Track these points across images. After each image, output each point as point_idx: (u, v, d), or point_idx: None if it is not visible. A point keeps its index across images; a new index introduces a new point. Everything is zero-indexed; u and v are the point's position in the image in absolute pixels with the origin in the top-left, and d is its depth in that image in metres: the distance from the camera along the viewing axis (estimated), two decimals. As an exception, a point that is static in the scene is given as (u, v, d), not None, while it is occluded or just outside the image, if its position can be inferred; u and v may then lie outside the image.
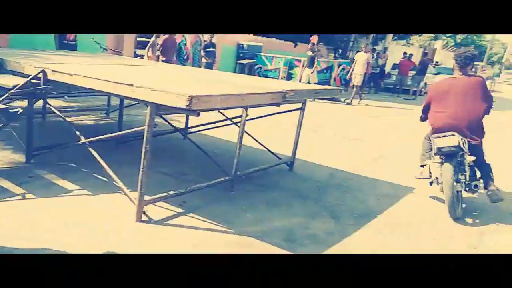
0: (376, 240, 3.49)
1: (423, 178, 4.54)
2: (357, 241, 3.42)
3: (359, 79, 12.30)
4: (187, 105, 2.79)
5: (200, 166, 4.79)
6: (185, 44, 12.72)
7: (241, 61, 14.50)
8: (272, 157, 5.19)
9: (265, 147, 5.32)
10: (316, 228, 3.58)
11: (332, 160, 5.86)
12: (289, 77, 14.12)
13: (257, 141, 5.27)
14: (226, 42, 14.39)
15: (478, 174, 4.27)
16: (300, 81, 12.48)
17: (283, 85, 4.71)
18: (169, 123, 5.45)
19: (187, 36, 12.54)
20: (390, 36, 21.30)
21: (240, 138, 4.07)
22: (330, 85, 14.80)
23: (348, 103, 12.01)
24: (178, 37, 12.34)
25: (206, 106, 2.97)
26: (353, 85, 12.54)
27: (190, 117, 5.80)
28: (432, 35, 31.58)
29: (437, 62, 24.34)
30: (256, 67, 14.38)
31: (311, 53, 12.25)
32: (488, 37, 46.45)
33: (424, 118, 4.66)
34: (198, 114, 3.01)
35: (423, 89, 17.73)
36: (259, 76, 14.12)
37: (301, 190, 4.51)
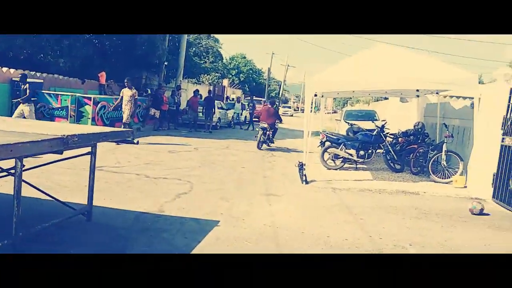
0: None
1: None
2: None
3: (126, 116, 11.61)
4: None
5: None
6: None
7: (18, 100, 12.68)
8: (68, 209, 4.54)
9: (54, 198, 4.62)
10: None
11: (137, 202, 5.51)
12: (80, 115, 13.05)
13: (43, 192, 4.52)
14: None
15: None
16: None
17: (66, 129, 4.19)
18: None
19: None
20: (181, 74, 22.13)
21: (17, 192, 3.39)
22: (126, 123, 14.28)
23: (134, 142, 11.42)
24: None
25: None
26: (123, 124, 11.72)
27: None
28: (219, 74, 34.35)
29: (227, 97, 26.40)
30: (38, 106, 12.78)
31: (24, 86, 10.87)
32: (265, 76, 53.48)
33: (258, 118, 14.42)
34: None
35: (218, 124, 18.89)
36: (45, 116, 12.60)
37: (102, 242, 4.03)
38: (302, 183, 7.61)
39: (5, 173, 4.30)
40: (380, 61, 7.87)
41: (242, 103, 23.39)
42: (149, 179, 7.13)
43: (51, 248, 3.75)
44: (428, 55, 8.09)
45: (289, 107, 53.27)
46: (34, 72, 13.73)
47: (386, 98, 28.49)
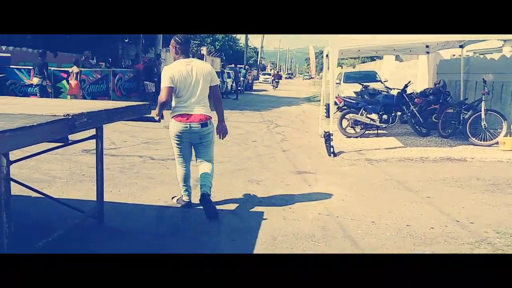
0: None
1: None
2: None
3: None
4: None
5: None
6: None
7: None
8: (70, 210, 3.47)
9: (53, 198, 3.53)
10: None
11: (152, 192, 4.45)
12: (58, 92, 11.62)
13: (38, 192, 3.42)
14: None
15: None
16: None
17: (65, 107, 3.05)
18: None
19: None
20: (160, 43, 20.51)
21: (5, 202, 2.28)
22: (109, 98, 12.95)
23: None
24: None
25: None
26: None
27: None
28: (197, 41, 32.66)
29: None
30: (8, 83, 11.28)
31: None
32: (241, 43, 51.76)
33: None
34: None
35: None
36: (16, 94, 11.12)
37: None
38: (330, 155, 6.65)
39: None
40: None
41: (227, 72, 21.91)
42: (156, 162, 6.04)
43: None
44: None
45: (269, 74, 51.57)
46: (-1, 45, 12.15)
47: (373, 59, 27.67)
